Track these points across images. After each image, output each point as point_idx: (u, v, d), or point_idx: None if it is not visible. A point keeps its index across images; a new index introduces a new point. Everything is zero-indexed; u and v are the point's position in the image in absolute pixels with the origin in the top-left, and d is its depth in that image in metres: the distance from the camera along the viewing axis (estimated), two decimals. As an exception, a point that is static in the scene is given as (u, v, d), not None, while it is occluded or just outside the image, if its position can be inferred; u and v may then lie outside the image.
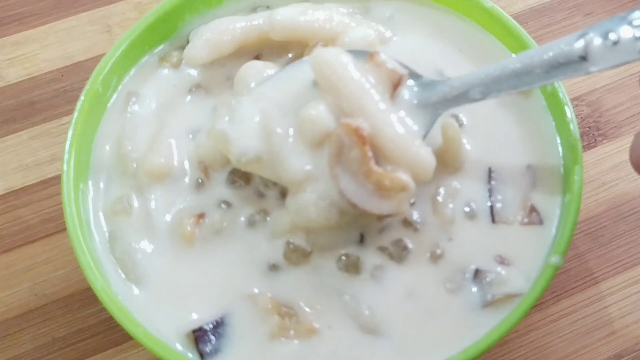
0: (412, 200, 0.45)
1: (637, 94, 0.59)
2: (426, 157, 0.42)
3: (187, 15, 0.53)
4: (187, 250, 0.45)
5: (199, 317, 0.44)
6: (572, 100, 0.58)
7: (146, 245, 0.46)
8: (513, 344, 0.50)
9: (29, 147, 0.59)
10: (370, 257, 0.44)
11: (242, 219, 0.46)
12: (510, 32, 0.50)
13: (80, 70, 0.62)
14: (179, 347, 0.43)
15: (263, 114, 0.44)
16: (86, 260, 0.43)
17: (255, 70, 0.48)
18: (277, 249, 0.45)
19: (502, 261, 0.44)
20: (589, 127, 0.58)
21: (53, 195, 0.56)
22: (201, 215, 0.46)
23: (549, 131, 0.48)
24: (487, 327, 0.42)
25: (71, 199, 0.45)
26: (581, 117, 0.59)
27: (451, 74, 0.50)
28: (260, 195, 0.47)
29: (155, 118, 0.50)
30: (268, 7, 0.53)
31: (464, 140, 0.48)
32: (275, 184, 0.46)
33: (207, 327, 0.43)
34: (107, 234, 0.47)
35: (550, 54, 0.41)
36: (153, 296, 0.44)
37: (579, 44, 0.40)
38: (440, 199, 0.46)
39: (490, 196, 0.46)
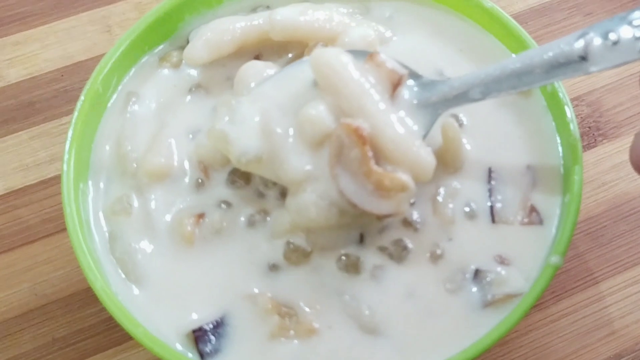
0: (412, 200, 0.45)
1: (637, 94, 0.59)
2: (426, 157, 0.42)
3: (187, 15, 0.53)
4: (187, 250, 0.45)
5: (199, 317, 0.44)
6: (572, 100, 0.58)
7: (146, 245, 0.46)
8: (513, 344, 0.50)
9: (29, 147, 0.59)
10: (370, 257, 0.44)
11: (242, 219, 0.46)
12: (510, 32, 0.50)
13: (80, 70, 0.62)
14: (179, 347, 0.43)
15: (263, 114, 0.44)
16: (86, 260, 0.43)
17: (255, 70, 0.48)
18: (277, 249, 0.45)
19: (502, 261, 0.44)
20: (589, 127, 0.58)
21: (53, 195, 0.56)
22: (201, 215, 0.46)
23: (549, 131, 0.48)
24: (487, 327, 0.42)
25: (71, 199, 0.45)
26: (581, 117, 0.59)
27: (451, 74, 0.50)
28: (260, 195, 0.47)
29: (155, 118, 0.50)
30: (268, 7, 0.53)
31: (464, 140, 0.48)
32: (275, 184, 0.46)
33: (207, 327, 0.43)
34: (107, 234, 0.47)
35: (550, 54, 0.41)
36: (153, 296, 0.44)
37: (579, 44, 0.40)
38: (440, 199, 0.46)
39: (490, 196, 0.46)
